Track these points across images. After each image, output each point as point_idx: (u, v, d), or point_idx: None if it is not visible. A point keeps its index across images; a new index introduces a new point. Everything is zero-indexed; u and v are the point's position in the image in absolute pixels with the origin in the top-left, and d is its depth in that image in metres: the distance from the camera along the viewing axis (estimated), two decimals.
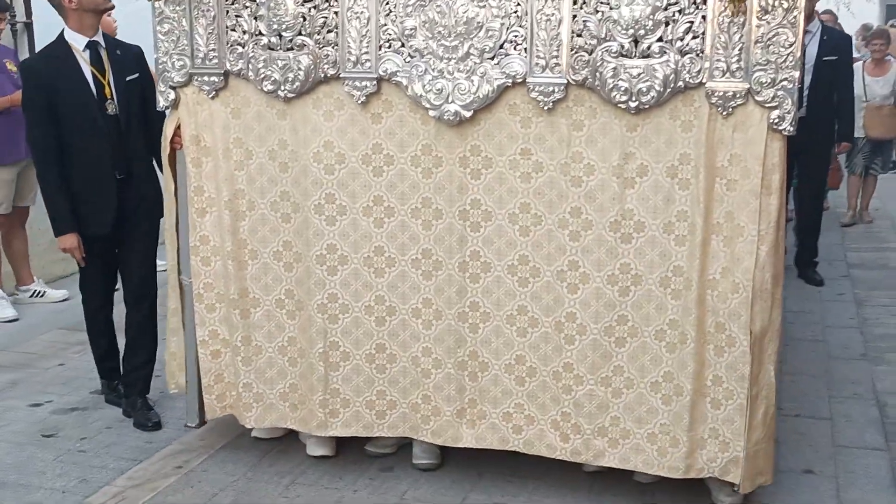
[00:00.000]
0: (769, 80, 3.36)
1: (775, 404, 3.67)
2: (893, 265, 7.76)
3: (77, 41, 4.35)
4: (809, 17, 6.52)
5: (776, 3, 3.30)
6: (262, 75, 3.79)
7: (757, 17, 3.33)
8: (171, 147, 4.06)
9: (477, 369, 3.86)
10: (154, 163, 4.53)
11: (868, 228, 9.04)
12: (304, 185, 3.87)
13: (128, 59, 4.48)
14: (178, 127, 4.01)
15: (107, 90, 4.36)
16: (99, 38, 4.40)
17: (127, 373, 4.75)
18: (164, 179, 4.21)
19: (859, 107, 8.19)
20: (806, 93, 6.55)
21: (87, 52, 4.36)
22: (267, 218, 3.96)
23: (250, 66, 3.82)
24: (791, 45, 3.33)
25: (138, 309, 4.65)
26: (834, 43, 6.72)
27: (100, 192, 4.40)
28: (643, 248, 3.60)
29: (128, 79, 4.41)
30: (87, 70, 4.34)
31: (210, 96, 3.91)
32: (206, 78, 3.89)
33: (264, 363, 4.10)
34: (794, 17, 3.31)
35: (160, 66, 3.95)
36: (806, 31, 6.55)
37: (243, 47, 3.83)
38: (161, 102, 3.99)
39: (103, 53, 4.40)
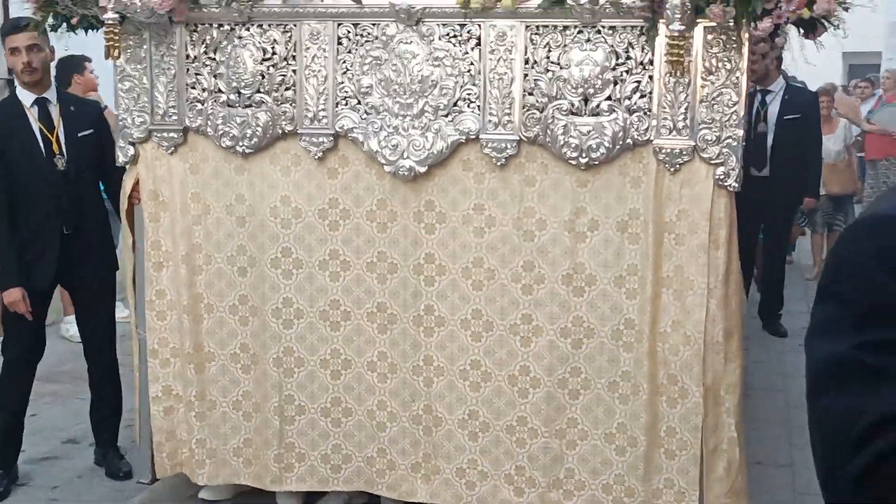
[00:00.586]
0: (714, 138, 3.45)
1: (741, 459, 3.68)
2: None
3: (26, 98, 4.43)
4: (771, 76, 6.67)
5: (719, 65, 3.41)
6: (221, 131, 3.85)
7: (701, 77, 3.43)
8: (130, 202, 4.09)
9: (431, 424, 3.87)
10: (113, 217, 4.56)
11: None
12: (261, 240, 3.91)
13: (83, 115, 4.54)
14: (137, 182, 4.04)
15: (55, 146, 4.40)
16: (49, 94, 4.46)
17: (95, 423, 4.74)
18: (123, 233, 4.23)
19: None
20: (769, 152, 6.68)
21: (35, 108, 4.42)
22: (223, 272, 3.99)
23: (209, 123, 3.87)
24: (734, 105, 3.43)
25: (98, 361, 4.64)
26: (798, 101, 6.86)
27: (44, 246, 4.41)
28: (595, 301, 3.65)
29: (80, 134, 4.44)
30: (35, 126, 4.39)
31: (169, 152, 3.96)
32: (165, 134, 3.94)
33: (218, 418, 4.09)
34: (737, 77, 3.41)
35: (121, 123, 3.99)
36: (768, 91, 6.70)
37: (202, 104, 3.89)
38: (120, 158, 4.03)
39: (53, 110, 4.45)
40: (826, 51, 3.49)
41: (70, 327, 6.40)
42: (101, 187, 4.67)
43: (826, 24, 3.26)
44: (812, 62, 3.61)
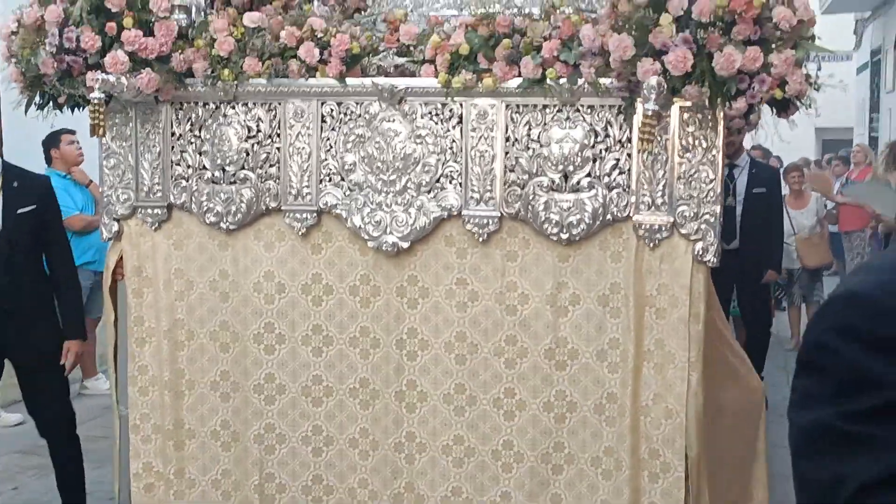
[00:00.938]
0: (692, 214, 3.51)
1: None
2: None
3: None
4: (738, 152, 6.80)
5: (696, 143, 3.49)
6: (205, 208, 3.88)
7: (678, 154, 3.51)
8: (113, 278, 4.09)
9: (413, 502, 3.84)
10: (57, 295, 4.44)
11: None
12: (244, 315, 3.91)
13: (27, 190, 4.39)
14: (121, 258, 4.05)
15: None
16: None
17: (63, 496, 4.65)
18: (105, 310, 4.23)
19: (790, 240, 8.47)
20: (738, 225, 6.77)
21: None
22: (206, 348, 3.98)
23: (193, 199, 3.90)
24: (711, 182, 3.50)
25: (54, 440, 4.48)
26: (762, 176, 7.00)
27: None
28: (577, 375, 3.67)
29: (19, 211, 4.31)
30: None
31: (153, 228, 3.98)
32: (149, 210, 3.97)
33: (197, 497, 4.04)
34: (714, 155, 3.49)
35: (105, 200, 4.02)
36: (735, 165, 6.82)
37: (187, 181, 3.93)
38: (104, 234, 4.05)
39: None
40: (799, 126, 3.59)
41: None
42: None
43: (798, 103, 3.35)
44: (786, 138, 3.70)
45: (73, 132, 6.39)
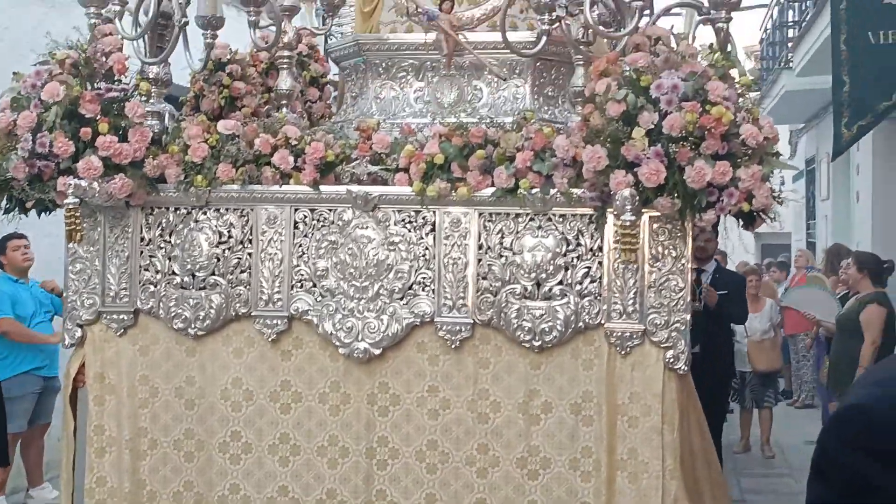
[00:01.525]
0: (663, 322, 3.56)
1: None
2: (785, 491, 7.90)
3: None
4: (710, 258, 6.93)
5: (666, 252, 3.56)
6: (174, 313, 3.83)
7: (649, 264, 3.57)
8: (74, 385, 3.99)
9: None
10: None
11: (761, 455, 9.26)
12: (210, 423, 3.83)
13: None
14: (83, 365, 3.96)
15: None
16: None
17: None
18: (64, 419, 4.10)
19: (742, 342, 8.59)
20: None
21: None
22: (169, 457, 3.87)
23: (161, 305, 3.85)
24: (681, 290, 3.57)
25: None
26: (726, 280, 7.12)
27: None
28: (550, 484, 3.64)
29: None
30: None
31: (118, 334, 3.91)
32: (115, 316, 3.90)
33: None
34: (683, 264, 3.57)
35: (69, 305, 3.95)
36: (703, 270, 6.94)
37: (155, 286, 3.88)
38: (67, 340, 3.96)
39: None
40: (739, 231, 3.70)
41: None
42: None
43: (764, 216, 3.46)
44: (726, 243, 3.81)
45: (21, 236, 6.25)
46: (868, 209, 10.96)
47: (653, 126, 3.30)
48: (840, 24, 6.67)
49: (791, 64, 12.56)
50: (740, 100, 3.40)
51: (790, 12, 13.92)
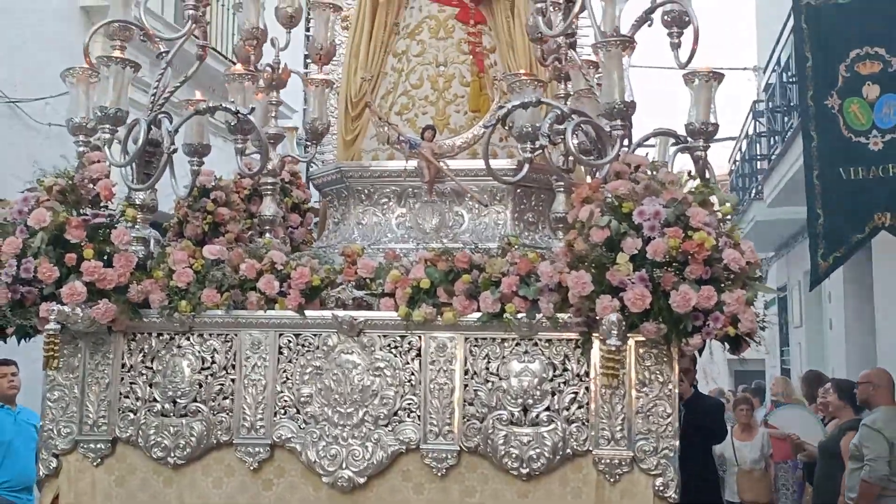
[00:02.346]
0: (651, 449, 3.52)
1: None
2: None
3: None
4: (691, 388, 6.91)
5: (652, 378, 3.56)
6: (153, 441, 3.75)
7: (636, 389, 3.56)
8: None
9: None
10: None
11: None
12: None
13: None
14: (56, 497, 3.83)
15: None
16: None
17: None
18: None
19: (731, 471, 8.46)
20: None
21: None
22: None
23: (141, 433, 3.77)
24: (669, 416, 3.54)
25: None
26: (705, 409, 7.07)
27: None
28: None
29: None
30: None
31: (94, 464, 3.80)
32: (92, 445, 3.80)
33: None
34: (670, 389, 3.55)
35: (45, 434, 3.85)
36: (680, 396, 6.90)
37: (135, 414, 3.81)
38: (41, 471, 3.85)
39: None
40: (714, 358, 3.70)
41: None
42: None
43: (749, 340, 3.47)
44: (701, 369, 3.81)
45: (8, 363, 6.14)
46: (842, 336, 11.05)
47: (636, 251, 3.34)
48: (812, 162, 6.93)
49: (761, 195, 12.87)
50: (721, 225, 3.47)
51: (758, 146, 14.35)
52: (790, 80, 11.30)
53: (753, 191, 14.04)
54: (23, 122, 8.09)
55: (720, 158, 17.05)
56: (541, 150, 3.79)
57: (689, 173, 3.76)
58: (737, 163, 16.51)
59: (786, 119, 12.11)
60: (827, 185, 6.91)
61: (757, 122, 14.14)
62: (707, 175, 3.83)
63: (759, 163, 14.27)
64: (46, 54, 7.86)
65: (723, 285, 3.35)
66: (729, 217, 3.61)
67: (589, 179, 4.09)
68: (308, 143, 4.82)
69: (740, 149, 16.03)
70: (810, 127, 7.03)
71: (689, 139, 3.86)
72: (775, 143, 12.75)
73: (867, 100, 6.73)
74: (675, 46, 3.91)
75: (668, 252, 3.30)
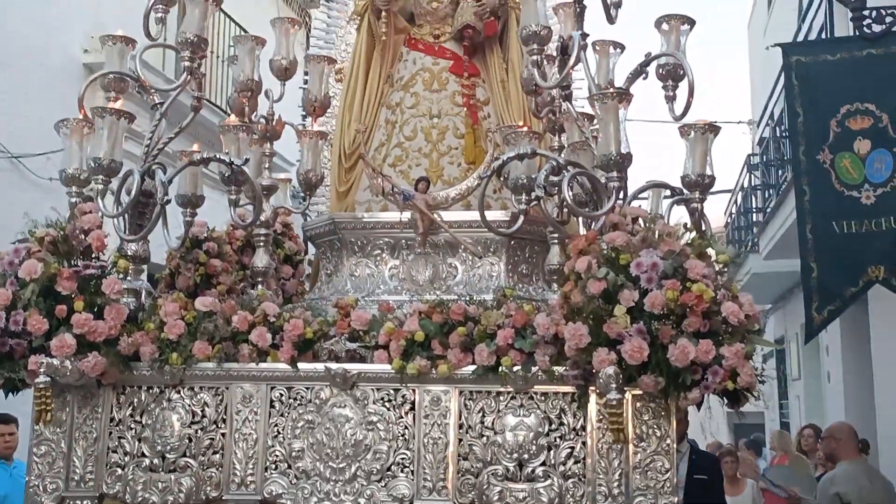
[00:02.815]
0: None
1: None
2: None
3: None
4: (681, 438, 6.83)
5: (650, 432, 3.49)
6: (140, 498, 3.67)
7: (633, 444, 3.49)
8: None
9: None
10: None
11: None
12: None
13: None
14: None
15: None
16: None
17: None
18: None
19: None
20: None
21: None
22: None
23: (128, 489, 3.69)
24: (667, 472, 3.47)
25: None
26: (702, 462, 6.99)
27: None
28: None
29: None
30: None
31: None
32: (78, 502, 3.72)
33: None
34: (668, 444, 3.49)
35: (30, 490, 3.76)
36: (677, 451, 6.82)
37: (123, 469, 3.73)
38: None
39: None
40: (712, 411, 3.64)
41: None
42: None
43: (748, 394, 3.42)
44: (700, 423, 3.75)
45: (7, 421, 6.06)
46: (840, 389, 10.97)
47: (634, 304, 3.30)
48: (805, 216, 6.97)
49: (757, 247, 12.87)
50: (718, 277, 3.43)
51: (753, 199, 14.39)
52: (783, 134, 11.37)
53: (749, 243, 14.04)
54: (24, 178, 8.14)
55: (716, 211, 17.08)
56: (536, 202, 3.77)
57: (686, 225, 3.74)
58: (732, 215, 16.55)
59: (780, 172, 12.16)
60: (820, 239, 6.94)
61: (752, 175, 14.20)
62: (704, 227, 3.81)
63: (754, 215, 14.30)
64: (49, 110, 7.83)
65: (721, 338, 3.31)
66: (726, 269, 3.58)
67: (583, 231, 4.06)
68: (303, 195, 4.81)
69: (736, 201, 16.08)
70: (803, 181, 7.07)
71: (685, 191, 3.85)
72: (770, 195, 12.79)
73: (859, 154, 6.79)
74: (671, 99, 3.92)
75: (666, 304, 3.26)
